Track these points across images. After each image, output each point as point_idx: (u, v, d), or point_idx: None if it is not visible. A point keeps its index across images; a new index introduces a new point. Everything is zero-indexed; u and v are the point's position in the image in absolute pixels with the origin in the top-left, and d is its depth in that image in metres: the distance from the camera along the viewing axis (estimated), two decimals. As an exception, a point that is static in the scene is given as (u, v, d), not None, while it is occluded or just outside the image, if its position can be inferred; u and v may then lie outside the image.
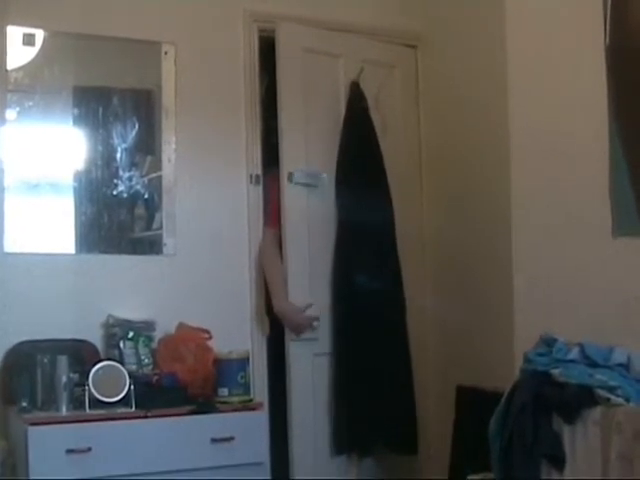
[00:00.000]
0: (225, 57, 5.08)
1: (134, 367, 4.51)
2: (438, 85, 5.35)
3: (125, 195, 4.86)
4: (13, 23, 4.59)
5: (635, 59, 3.74)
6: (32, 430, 3.96)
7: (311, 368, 4.94)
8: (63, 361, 4.24)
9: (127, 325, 4.60)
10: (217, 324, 4.71)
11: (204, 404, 4.37)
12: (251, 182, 5.05)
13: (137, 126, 4.91)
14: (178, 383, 4.44)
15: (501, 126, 4.49)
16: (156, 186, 4.93)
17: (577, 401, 3.44)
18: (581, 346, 3.69)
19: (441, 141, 5.21)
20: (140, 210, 4.92)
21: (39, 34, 4.68)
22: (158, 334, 4.70)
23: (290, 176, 4.90)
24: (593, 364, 3.61)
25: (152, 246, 4.94)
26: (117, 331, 4.59)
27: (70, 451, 3.96)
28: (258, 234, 5.03)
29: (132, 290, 4.76)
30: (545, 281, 4.17)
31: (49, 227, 4.69)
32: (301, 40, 5.05)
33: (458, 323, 5.05)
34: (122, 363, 4.42)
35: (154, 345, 4.67)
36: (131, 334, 4.59)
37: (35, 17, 4.63)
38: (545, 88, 4.21)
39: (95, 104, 4.84)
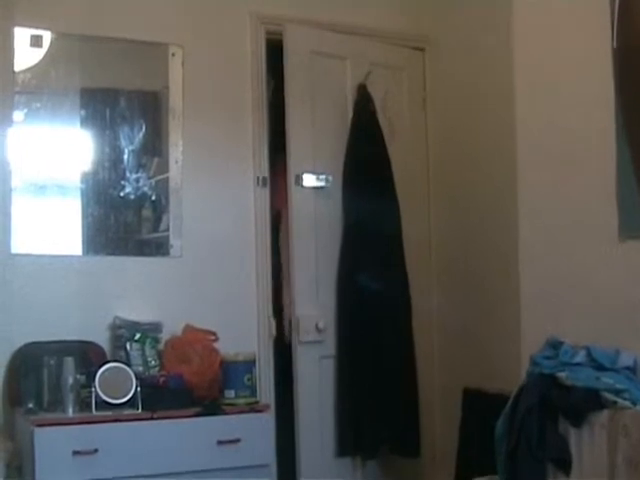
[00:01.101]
0: (232, 59, 5.08)
1: (141, 368, 4.51)
2: (446, 88, 5.34)
3: (132, 197, 4.86)
4: (21, 25, 4.59)
5: (642, 62, 3.74)
6: (38, 431, 3.97)
7: (318, 370, 4.94)
8: (69, 362, 4.24)
9: (134, 326, 4.61)
10: (224, 326, 4.72)
11: (210, 406, 4.37)
12: (258, 184, 5.05)
13: (144, 128, 4.91)
14: (184, 385, 4.44)
15: (508, 129, 4.48)
16: (163, 188, 4.94)
17: (583, 404, 3.45)
18: (587, 349, 3.70)
19: (448, 143, 5.21)
20: (147, 212, 4.92)
21: (46, 35, 4.68)
22: (165, 336, 4.70)
23: (297, 179, 4.91)
24: (600, 367, 3.62)
25: (159, 248, 4.95)
26: (124, 332, 4.59)
27: (76, 452, 3.96)
28: (265, 236, 5.03)
29: (139, 292, 4.76)
30: (552, 284, 4.16)
31: (56, 228, 4.70)
32: (308, 43, 5.06)
33: (464, 326, 5.04)
34: (129, 364, 4.42)
35: (161, 347, 4.67)
36: (138, 335, 4.59)
37: (42, 19, 4.64)
38: (552, 91, 4.21)
39: (102, 106, 4.84)
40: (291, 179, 4.91)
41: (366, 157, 5.06)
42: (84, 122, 4.80)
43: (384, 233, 5.05)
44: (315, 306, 4.96)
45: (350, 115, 5.13)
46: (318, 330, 4.94)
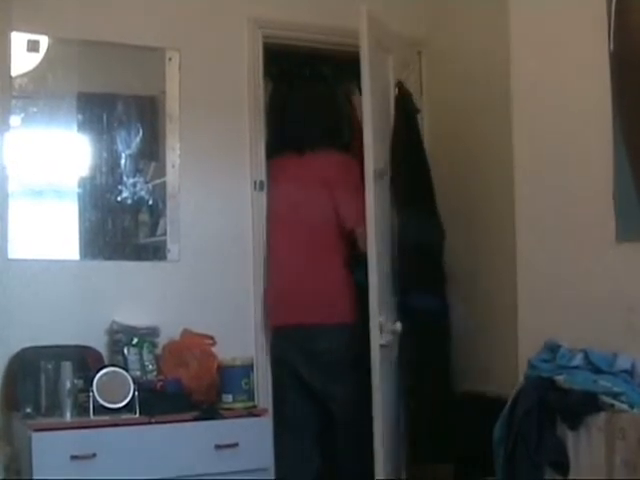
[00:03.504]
0: (229, 63, 5.08)
1: (138, 373, 4.51)
2: (443, 90, 5.34)
3: (129, 201, 4.87)
4: (18, 29, 4.59)
5: (639, 65, 3.74)
6: (36, 436, 3.97)
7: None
8: (67, 367, 4.25)
9: (131, 331, 4.60)
10: (221, 330, 4.72)
11: (208, 410, 4.37)
12: (255, 188, 5.04)
13: (141, 132, 4.91)
14: (182, 389, 4.45)
15: (505, 132, 4.48)
16: (160, 192, 4.94)
17: (581, 407, 3.44)
18: (585, 352, 3.70)
19: (445, 147, 5.20)
20: (144, 216, 4.92)
21: (43, 40, 4.68)
22: (162, 340, 4.70)
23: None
24: (597, 370, 3.62)
25: (156, 252, 4.94)
26: (121, 337, 4.59)
27: (74, 457, 3.97)
28: (262, 240, 5.03)
29: (136, 296, 4.76)
30: (549, 287, 4.16)
31: (53, 233, 4.69)
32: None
33: (462, 329, 5.04)
34: (126, 369, 4.42)
35: (158, 351, 4.67)
36: (135, 340, 4.58)
37: (39, 23, 4.64)
38: (549, 94, 4.21)
39: (99, 110, 4.84)
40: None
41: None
42: (81, 127, 4.80)
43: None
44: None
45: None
46: None
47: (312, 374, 4.91)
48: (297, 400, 4.97)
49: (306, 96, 5.35)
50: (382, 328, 4.52)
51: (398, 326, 4.59)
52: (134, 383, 4.31)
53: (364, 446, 4.53)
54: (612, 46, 3.80)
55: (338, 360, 4.86)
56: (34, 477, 3.91)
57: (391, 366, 4.66)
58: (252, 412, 4.48)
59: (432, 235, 4.87)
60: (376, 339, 4.51)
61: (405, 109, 4.94)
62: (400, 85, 5.00)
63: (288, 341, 4.93)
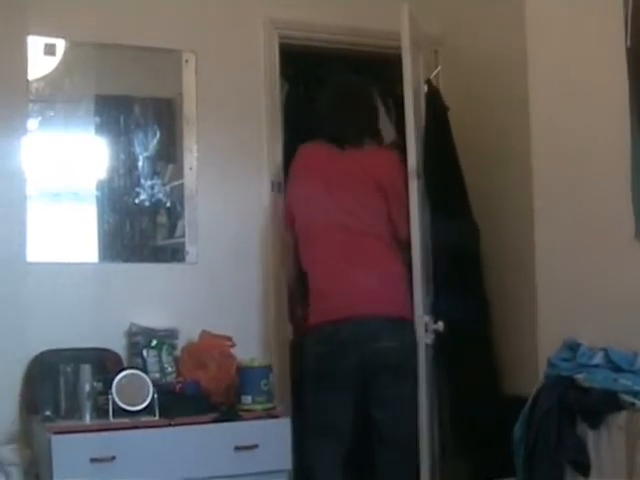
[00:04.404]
0: (246, 64, 5.08)
1: (157, 375, 4.51)
2: (459, 89, 5.32)
3: (147, 203, 4.87)
4: (34, 33, 4.61)
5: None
6: (56, 439, 3.98)
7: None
8: (86, 370, 4.25)
9: (150, 333, 4.61)
10: (240, 331, 4.71)
11: (227, 412, 4.37)
12: (272, 189, 5.04)
13: (158, 134, 4.92)
14: (201, 391, 4.44)
15: (523, 130, 4.47)
16: (178, 194, 4.94)
17: (601, 406, 3.43)
18: (605, 351, 3.68)
19: (462, 145, 5.18)
20: (162, 218, 4.93)
21: (60, 44, 4.70)
22: (181, 342, 4.70)
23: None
24: (617, 369, 3.60)
25: (174, 254, 4.95)
26: (140, 339, 4.60)
27: (94, 460, 3.96)
28: (280, 241, 5.02)
29: (155, 298, 4.76)
30: (568, 285, 4.14)
31: (72, 236, 4.71)
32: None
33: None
34: (145, 371, 4.42)
35: (177, 353, 4.67)
36: (154, 342, 4.59)
37: (56, 27, 4.65)
38: (566, 90, 4.20)
39: (116, 113, 4.85)
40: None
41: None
42: (98, 129, 4.81)
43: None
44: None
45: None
46: None
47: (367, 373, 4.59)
48: (334, 402, 4.64)
49: (345, 84, 5.13)
50: (427, 327, 4.52)
51: (440, 325, 4.52)
52: (153, 385, 4.30)
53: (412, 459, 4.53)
54: (629, 42, 3.78)
55: (402, 359, 4.58)
56: (54, 480, 3.92)
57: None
58: (271, 413, 4.46)
59: (467, 235, 4.84)
60: (422, 338, 4.51)
61: (435, 107, 4.92)
62: (429, 83, 4.98)
63: (341, 336, 4.55)
